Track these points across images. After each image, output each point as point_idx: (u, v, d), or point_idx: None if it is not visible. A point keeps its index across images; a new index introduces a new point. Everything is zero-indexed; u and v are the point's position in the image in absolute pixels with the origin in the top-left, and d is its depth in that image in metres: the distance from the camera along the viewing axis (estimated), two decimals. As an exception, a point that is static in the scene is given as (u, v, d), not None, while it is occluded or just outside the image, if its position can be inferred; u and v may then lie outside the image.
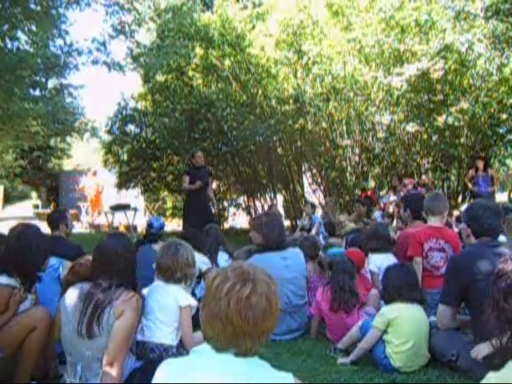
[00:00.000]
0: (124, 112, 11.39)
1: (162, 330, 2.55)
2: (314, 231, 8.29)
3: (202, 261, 4.00)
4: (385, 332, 2.85)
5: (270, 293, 1.28)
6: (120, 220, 11.93)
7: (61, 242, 3.79)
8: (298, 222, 9.76)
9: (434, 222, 3.66)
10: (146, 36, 12.18)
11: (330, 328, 3.41)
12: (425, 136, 9.74)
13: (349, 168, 10.38)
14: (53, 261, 3.15)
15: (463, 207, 9.60)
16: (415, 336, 2.80)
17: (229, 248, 5.13)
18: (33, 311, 2.55)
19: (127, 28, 9.08)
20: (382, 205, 9.47)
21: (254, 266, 1.36)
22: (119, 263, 2.36)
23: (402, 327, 2.81)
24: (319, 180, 11.38)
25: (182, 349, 2.62)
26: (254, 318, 1.24)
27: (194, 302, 2.65)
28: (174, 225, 13.22)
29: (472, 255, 2.70)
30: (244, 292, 1.25)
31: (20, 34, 8.36)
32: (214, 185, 12.66)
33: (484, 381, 1.29)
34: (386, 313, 2.88)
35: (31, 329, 2.45)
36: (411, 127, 9.26)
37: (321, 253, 4.37)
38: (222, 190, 12.99)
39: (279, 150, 11.11)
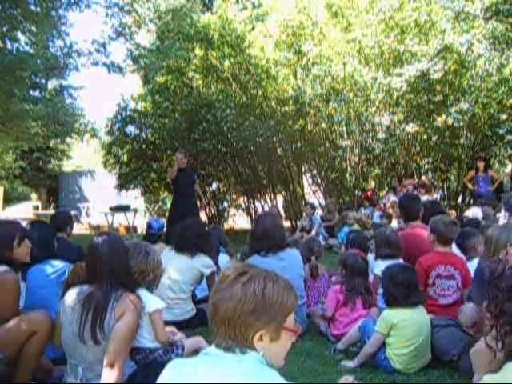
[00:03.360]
0: (124, 113, 11.39)
1: (141, 336, 2.53)
2: (313, 232, 8.30)
3: (204, 264, 3.94)
4: (387, 335, 2.85)
5: (263, 288, 1.29)
6: (120, 221, 11.96)
7: (64, 244, 3.79)
8: (298, 223, 9.76)
9: (443, 248, 3.40)
10: (146, 37, 12.20)
11: (336, 324, 3.40)
12: (424, 136, 9.75)
13: (349, 169, 10.38)
14: (59, 264, 3.14)
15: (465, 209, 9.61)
16: (417, 339, 2.80)
17: (230, 250, 5.11)
18: (34, 315, 2.53)
19: (127, 30, 9.08)
20: (382, 205, 9.48)
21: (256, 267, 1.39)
22: (106, 264, 2.33)
23: (405, 331, 2.80)
24: (319, 181, 11.38)
25: (169, 350, 2.60)
26: (236, 306, 1.26)
27: (160, 305, 2.58)
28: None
29: None
30: (237, 281, 1.29)
31: (20, 35, 8.37)
32: (214, 185, 12.68)
33: (481, 382, 1.28)
34: (388, 317, 2.85)
35: (32, 333, 2.44)
36: (411, 128, 9.27)
37: (313, 258, 4.24)
38: (221, 190, 12.99)
39: (279, 150, 11.11)
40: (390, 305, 2.94)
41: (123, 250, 2.50)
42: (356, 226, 7.75)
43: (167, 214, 8.29)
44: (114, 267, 2.35)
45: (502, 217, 3.03)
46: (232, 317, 1.26)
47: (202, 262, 3.88)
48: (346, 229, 7.68)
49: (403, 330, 2.80)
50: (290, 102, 9.85)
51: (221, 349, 1.28)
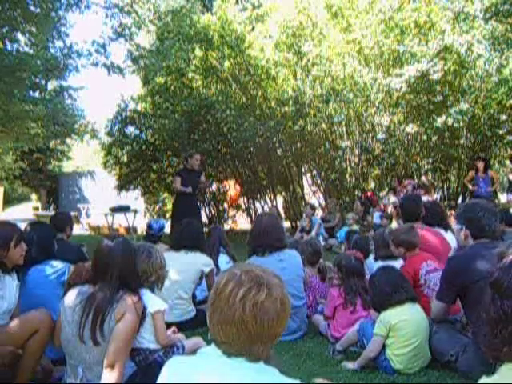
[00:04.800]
0: (124, 114, 11.40)
1: (142, 337, 2.52)
2: (313, 232, 8.30)
3: (203, 262, 3.97)
4: (386, 336, 2.85)
5: (283, 296, 1.29)
6: (120, 222, 11.95)
7: (64, 245, 3.79)
8: (298, 224, 9.76)
9: (414, 252, 3.49)
10: (146, 38, 12.20)
11: (335, 325, 3.40)
12: (424, 137, 9.75)
13: (348, 169, 10.38)
14: (59, 265, 3.14)
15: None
16: (416, 338, 2.80)
17: (231, 250, 5.11)
18: (35, 314, 2.55)
19: (127, 31, 9.08)
20: (382, 206, 9.48)
21: (264, 269, 1.35)
22: (118, 266, 2.34)
23: (404, 331, 2.80)
24: (319, 181, 11.38)
25: (169, 351, 2.60)
26: (269, 322, 1.24)
27: (163, 306, 2.59)
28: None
29: (470, 257, 2.70)
30: (260, 297, 1.25)
31: (20, 36, 8.36)
32: (214, 186, 12.67)
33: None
34: (386, 319, 2.85)
35: (33, 331, 2.46)
36: (411, 128, 9.28)
37: (321, 260, 4.32)
38: (221, 191, 12.99)
39: (279, 151, 11.11)
40: (376, 309, 2.96)
41: (134, 254, 2.53)
42: (355, 227, 7.75)
43: (170, 214, 8.33)
44: (125, 271, 2.37)
45: (456, 231, 3.00)
46: (269, 331, 1.25)
47: (201, 260, 3.95)
48: (345, 228, 7.70)
49: (402, 330, 2.80)
50: (290, 102, 9.85)
51: (239, 358, 1.26)
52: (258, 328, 1.23)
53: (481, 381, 1.25)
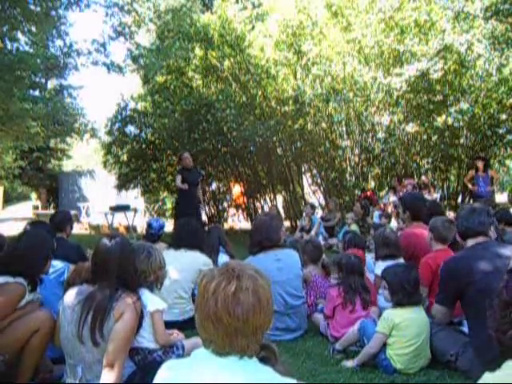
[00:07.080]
0: (124, 113, 11.40)
1: (141, 336, 2.52)
2: (313, 232, 8.30)
3: (203, 262, 3.97)
4: (389, 335, 2.84)
5: (257, 287, 1.26)
6: (120, 221, 11.95)
7: (63, 244, 3.79)
8: (298, 223, 9.76)
9: (441, 246, 3.46)
10: (146, 37, 12.20)
11: (335, 325, 3.40)
12: (424, 136, 9.75)
13: (348, 169, 10.37)
14: (58, 264, 3.13)
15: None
16: (418, 339, 2.80)
17: (230, 250, 5.11)
18: (36, 313, 2.56)
19: (127, 29, 9.08)
20: (382, 205, 9.47)
21: (240, 264, 1.35)
22: (116, 266, 2.33)
23: (407, 331, 2.80)
24: (319, 181, 11.38)
25: (169, 351, 2.61)
26: (243, 314, 1.22)
27: (162, 306, 2.59)
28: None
29: (466, 258, 2.70)
30: (230, 289, 1.24)
31: (20, 35, 8.36)
32: (214, 185, 12.68)
33: (480, 381, 1.28)
34: (390, 317, 2.85)
35: (34, 330, 2.47)
36: (411, 128, 9.27)
37: (324, 256, 4.34)
38: (221, 190, 12.99)
39: (279, 150, 11.11)
40: (399, 304, 2.90)
41: (133, 253, 2.52)
42: (354, 227, 7.75)
43: (174, 213, 8.48)
44: (123, 271, 2.36)
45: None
46: (245, 324, 1.23)
47: (200, 260, 3.95)
48: (345, 228, 7.70)
49: (405, 329, 2.80)
50: (290, 101, 9.85)
51: (231, 357, 1.26)
52: (232, 321, 1.22)
53: (484, 375, 1.27)
